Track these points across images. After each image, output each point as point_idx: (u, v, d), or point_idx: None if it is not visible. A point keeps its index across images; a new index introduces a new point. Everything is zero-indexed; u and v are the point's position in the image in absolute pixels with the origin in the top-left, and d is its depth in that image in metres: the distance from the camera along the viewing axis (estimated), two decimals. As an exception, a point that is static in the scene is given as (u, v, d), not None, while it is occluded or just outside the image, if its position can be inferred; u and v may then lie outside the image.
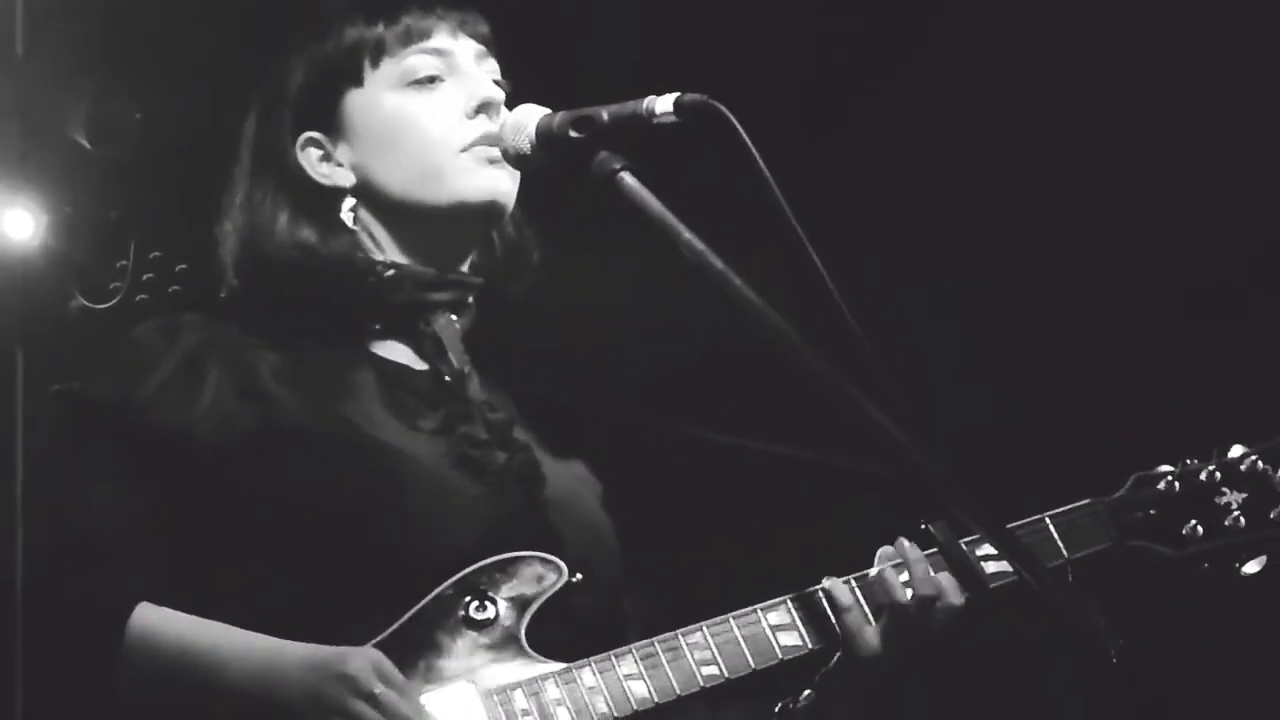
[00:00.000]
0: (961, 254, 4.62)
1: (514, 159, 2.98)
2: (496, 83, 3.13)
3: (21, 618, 2.54)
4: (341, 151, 3.11)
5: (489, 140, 3.03)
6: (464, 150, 3.05)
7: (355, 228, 3.09)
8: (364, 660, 2.76)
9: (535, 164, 2.95)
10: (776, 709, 3.05)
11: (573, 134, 2.84)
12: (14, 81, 2.57)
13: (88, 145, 3.53)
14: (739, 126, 2.68)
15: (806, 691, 3.03)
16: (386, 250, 3.09)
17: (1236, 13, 4.38)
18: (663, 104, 2.77)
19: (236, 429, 2.92)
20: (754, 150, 2.67)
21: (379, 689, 2.74)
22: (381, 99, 3.10)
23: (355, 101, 3.11)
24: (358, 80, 3.11)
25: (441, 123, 3.07)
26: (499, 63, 3.17)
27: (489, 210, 3.08)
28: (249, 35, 3.26)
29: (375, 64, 3.10)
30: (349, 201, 3.09)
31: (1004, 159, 4.57)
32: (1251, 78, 4.45)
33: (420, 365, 3.09)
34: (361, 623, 2.84)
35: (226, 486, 2.90)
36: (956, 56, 4.53)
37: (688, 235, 2.73)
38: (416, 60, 3.10)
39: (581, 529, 3.03)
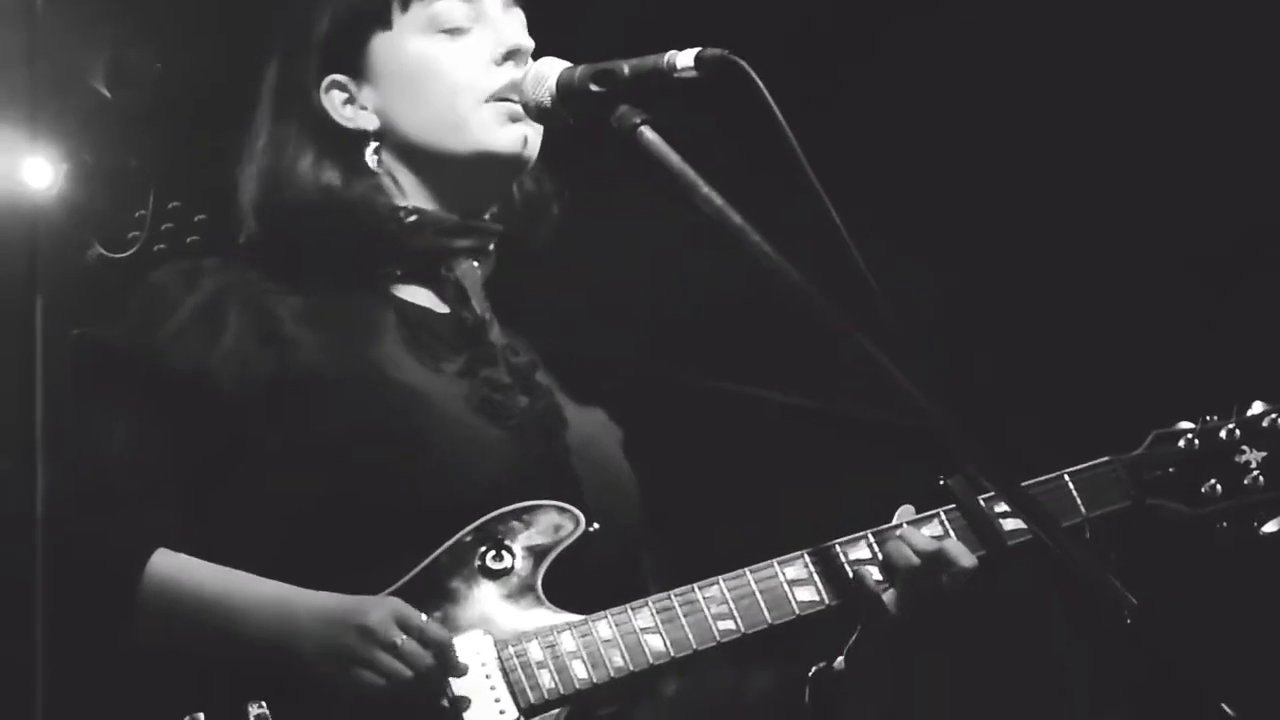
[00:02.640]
0: (981, 208, 4.63)
1: (534, 112, 2.99)
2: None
3: (41, 562, 2.55)
4: (366, 95, 3.11)
5: (515, 88, 3.03)
6: (490, 99, 3.05)
7: (378, 170, 3.09)
8: (384, 611, 2.78)
9: (556, 117, 2.96)
10: (810, 674, 3.05)
11: (593, 87, 2.86)
12: (34, 30, 2.56)
13: (107, 94, 3.54)
14: (759, 82, 2.69)
15: (840, 658, 3.04)
16: (410, 195, 3.10)
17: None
18: (684, 59, 2.78)
19: (257, 372, 2.93)
20: (774, 105, 2.68)
21: (400, 639, 2.76)
22: (408, 43, 3.10)
23: (382, 45, 3.11)
24: (386, 23, 3.10)
25: (468, 69, 3.07)
26: (525, 15, 3.16)
27: (512, 162, 3.09)
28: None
29: (404, 7, 3.10)
30: (372, 145, 3.10)
31: (1023, 115, 4.57)
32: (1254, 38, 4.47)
33: (442, 309, 3.09)
34: (379, 566, 2.86)
35: (246, 429, 2.91)
36: (965, 20, 4.56)
37: (706, 189, 2.75)
38: (445, 6, 3.10)
39: (602, 475, 3.04)
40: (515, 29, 3.11)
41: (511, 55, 3.06)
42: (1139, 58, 4.50)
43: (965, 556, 2.94)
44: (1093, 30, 4.52)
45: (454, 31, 3.10)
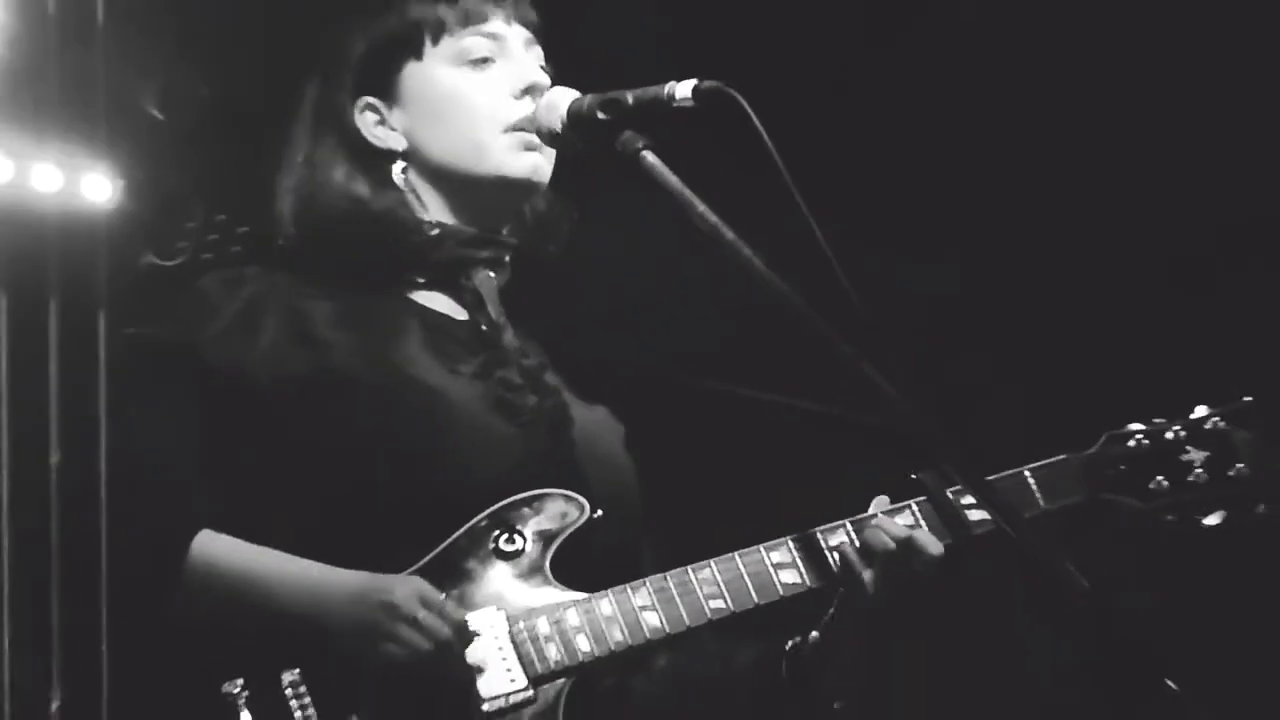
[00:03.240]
0: (948, 217, 4.60)
1: (547, 137, 3.12)
2: (541, 68, 3.28)
3: (106, 541, 2.72)
4: (396, 117, 3.24)
5: (531, 121, 3.17)
6: (508, 130, 3.19)
7: (404, 188, 3.22)
8: (408, 588, 2.91)
9: (567, 143, 3.09)
10: (786, 647, 3.13)
11: (600, 115, 2.98)
12: (97, 54, 2.77)
13: (160, 116, 3.70)
14: (750, 111, 2.83)
15: (813, 633, 3.12)
16: (431, 210, 3.22)
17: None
18: (682, 89, 2.90)
19: (291, 371, 3.05)
20: (764, 132, 2.79)
21: (421, 614, 2.88)
22: (437, 73, 3.23)
23: (413, 73, 3.24)
24: (418, 54, 3.24)
25: (490, 100, 3.20)
26: (543, 50, 3.32)
27: (525, 186, 3.22)
28: (309, 17, 3.43)
29: (435, 41, 3.24)
30: (400, 164, 3.23)
31: (990, 121, 4.57)
32: (1245, 39, 4.47)
33: (461, 315, 3.21)
34: (403, 548, 2.98)
35: (281, 423, 3.03)
36: (952, 30, 4.56)
37: (702, 208, 2.86)
38: (472, 41, 3.23)
39: (605, 468, 3.16)
40: (534, 67, 3.24)
41: (530, 90, 3.19)
42: (1136, 59, 4.49)
43: (934, 545, 3.04)
44: (1088, 31, 4.50)
45: (479, 63, 3.24)
